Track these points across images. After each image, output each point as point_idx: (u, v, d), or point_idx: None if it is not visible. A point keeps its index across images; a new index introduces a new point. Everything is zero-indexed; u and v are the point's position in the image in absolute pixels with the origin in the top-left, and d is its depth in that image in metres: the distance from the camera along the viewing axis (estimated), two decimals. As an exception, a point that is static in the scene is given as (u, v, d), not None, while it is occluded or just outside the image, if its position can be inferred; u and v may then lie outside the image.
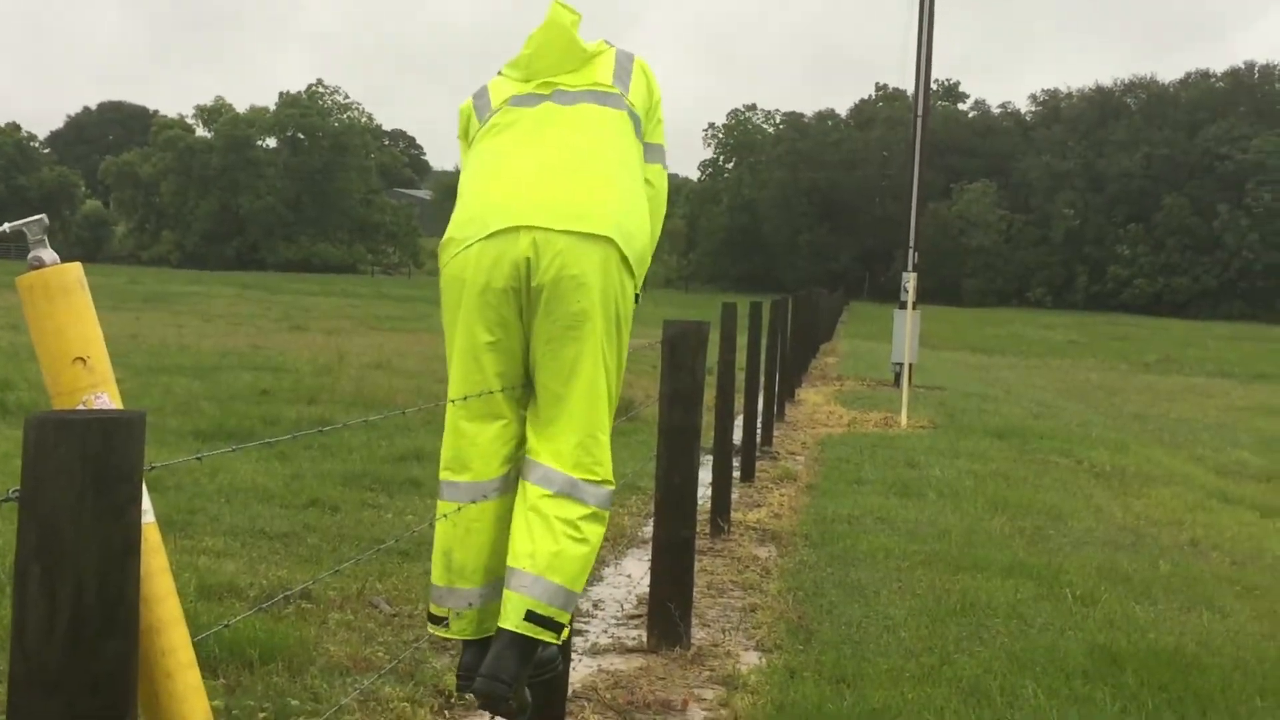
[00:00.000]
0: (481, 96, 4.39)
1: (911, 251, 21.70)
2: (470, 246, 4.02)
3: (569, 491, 4.07)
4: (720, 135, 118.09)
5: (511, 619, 3.94)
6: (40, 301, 2.20)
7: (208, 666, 5.31)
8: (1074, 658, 6.09)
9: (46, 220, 2.28)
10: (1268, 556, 9.48)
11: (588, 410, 4.11)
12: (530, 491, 4.08)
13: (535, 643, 3.98)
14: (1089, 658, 6.10)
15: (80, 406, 2.17)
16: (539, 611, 3.94)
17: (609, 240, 4.05)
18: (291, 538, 8.06)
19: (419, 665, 5.59)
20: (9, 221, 2.23)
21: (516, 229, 3.98)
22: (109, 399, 2.20)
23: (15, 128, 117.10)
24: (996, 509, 10.26)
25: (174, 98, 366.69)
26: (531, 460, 4.13)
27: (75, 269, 2.24)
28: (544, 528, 4.01)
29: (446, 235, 4.14)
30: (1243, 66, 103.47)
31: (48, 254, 2.23)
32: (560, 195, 4.06)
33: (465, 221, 4.09)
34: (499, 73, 4.46)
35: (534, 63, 4.33)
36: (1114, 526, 10.04)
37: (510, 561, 4.03)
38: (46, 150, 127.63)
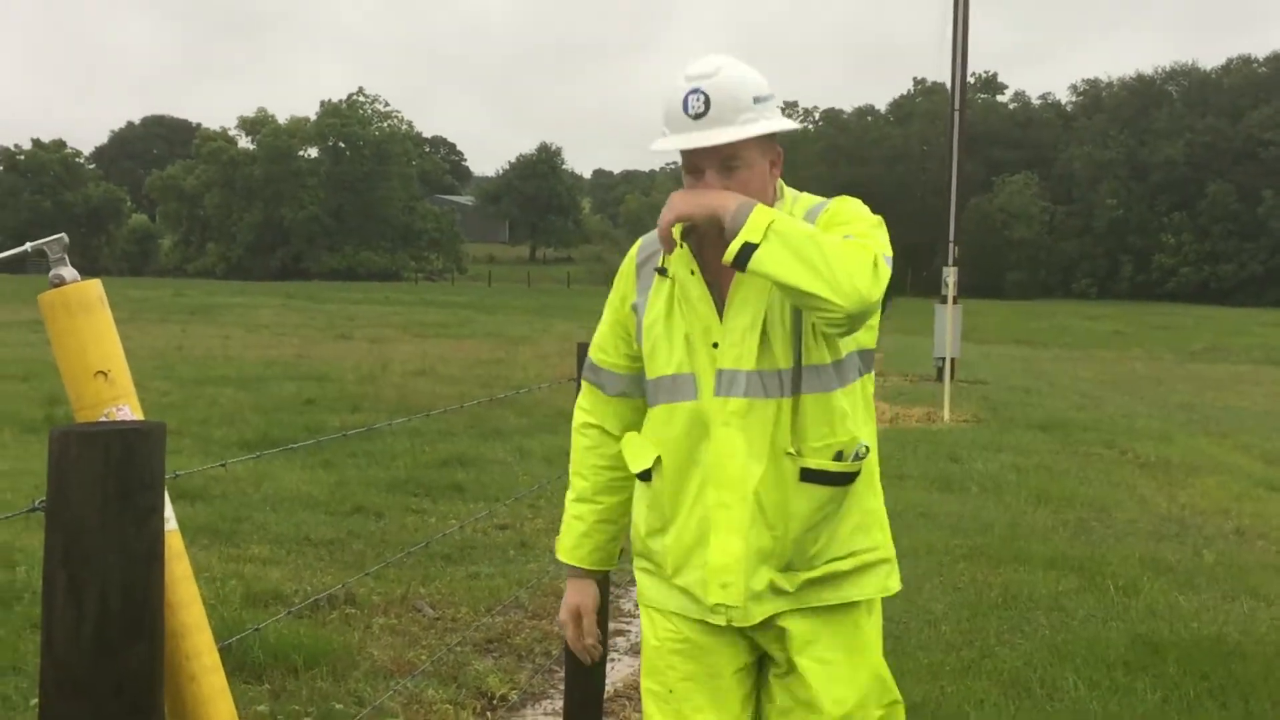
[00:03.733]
0: None
1: (951, 246, 21.64)
2: None
3: None
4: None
5: None
6: (61, 318, 2.25)
7: (253, 672, 5.38)
8: (1115, 648, 6.08)
9: (66, 239, 2.33)
10: (1315, 544, 9.40)
11: None
12: None
13: None
14: (1130, 648, 6.09)
15: (103, 419, 2.22)
16: None
17: None
18: (336, 544, 8.15)
19: (461, 668, 5.64)
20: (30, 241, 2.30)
21: None
22: (130, 411, 2.25)
23: (61, 144, 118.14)
24: (1040, 502, 10.24)
25: (217, 110, 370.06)
26: None
27: (95, 285, 2.30)
28: None
29: None
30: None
31: (68, 271, 2.29)
32: None
33: None
34: None
35: None
36: (1158, 517, 9.99)
37: None
38: (92, 166, 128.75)
